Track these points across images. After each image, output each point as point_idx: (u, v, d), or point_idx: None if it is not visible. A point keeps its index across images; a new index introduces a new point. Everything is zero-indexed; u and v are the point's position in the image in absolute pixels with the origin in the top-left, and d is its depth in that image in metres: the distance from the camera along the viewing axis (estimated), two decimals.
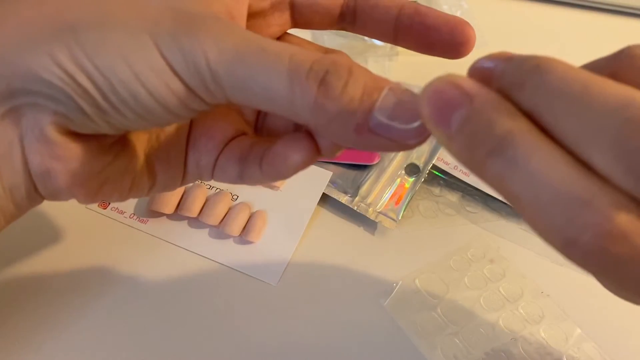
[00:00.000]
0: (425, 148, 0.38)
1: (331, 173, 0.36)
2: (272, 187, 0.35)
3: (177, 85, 0.17)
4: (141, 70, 0.16)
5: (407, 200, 0.35)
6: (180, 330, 0.29)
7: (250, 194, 0.34)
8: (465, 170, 0.37)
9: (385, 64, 0.45)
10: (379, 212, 0.34)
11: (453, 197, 0.37)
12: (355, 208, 0.34)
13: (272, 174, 0.20)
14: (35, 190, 0.19)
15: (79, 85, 0.17)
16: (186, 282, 0.31)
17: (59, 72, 0.16)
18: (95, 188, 0.20)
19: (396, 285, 0.32)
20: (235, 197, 0.34)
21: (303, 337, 0.29)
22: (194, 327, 0.29)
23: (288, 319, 0.30)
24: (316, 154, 0.19)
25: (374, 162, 0.37)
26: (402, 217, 0.34)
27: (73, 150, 0.18)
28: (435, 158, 0.37)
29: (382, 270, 0.32)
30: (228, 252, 0.32)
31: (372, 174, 0.36)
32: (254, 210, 0.34)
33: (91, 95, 0.17)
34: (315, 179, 0.35)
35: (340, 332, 0.30)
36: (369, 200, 0.35)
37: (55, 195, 0.20)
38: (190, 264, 0.32)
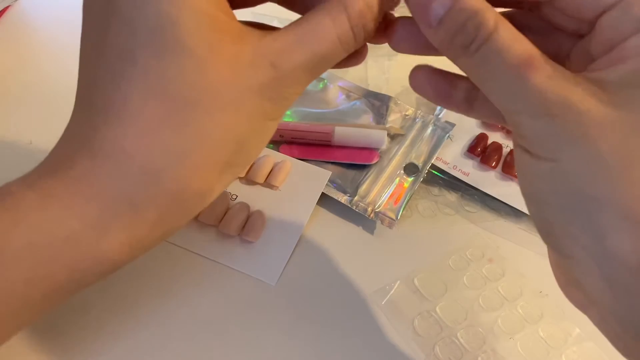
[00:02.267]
0: (424, 148, 0.38)
1: (330, 173, 0.36)
2: (271, 187, 0.35)
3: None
4: (270, 135, 0.22)
5: (406, 199, 0.35)
6: (179, 329, 0.29)
7: (249, 194, 0.34)
8: (464, 170, 0.37)
9: (384, 63, 0.45)
10: (378, 212, 0.34)
11: (452, 196, 0.37)
12: (354, 208, 0.34)
13: None
14: None
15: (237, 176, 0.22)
16: (185, 282, 0.31)
17: (228, 183, 0.22)
18: None
19: (395, 284, 0.32)
20: (234, 196, 0.34)
21: (302, 337, 0.29)
22: (193, 327, 0.29)
23: (287, 318, 0.30)
24: None
25: (373, 162, 0.37)
26: (401, 216, 0.34)
27: None
28: (434, 158, 0.37)
29: (381, 269, 0.32)
30: (227, 252, 0.32)
31: (371, 174, 0.36)
32: (253, 210, 0.34)
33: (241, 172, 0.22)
34: (314, 178, 0.35)
35: (339, 332, 0.30)
36: (368, 200, 0.35)
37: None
38: (189, 263, 0.31)
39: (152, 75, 0.17)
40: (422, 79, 0.22)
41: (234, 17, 0.19)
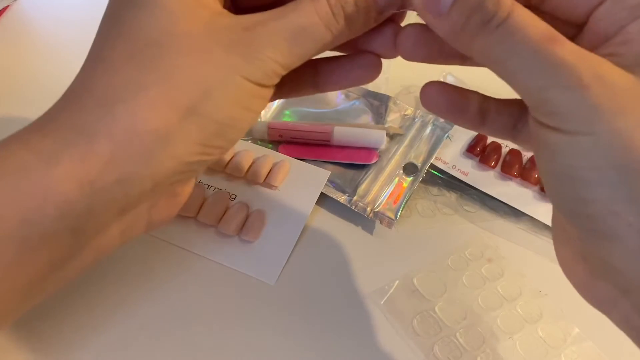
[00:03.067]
0: (423, 148, 0.38)
1: (329, 173, 0.36)
2: (270, 187, 0.35)
3: (265, 92, 0.21)
4: (247, 103, 0.20)
5: (405, 199, 0.35)
6: (178, 329, 0.29)
7: (249, 194, 0.34)
8: (463, 169, 0.37)
9: (384, 63, 0.44)
10: (377, 212, 0.34)
11: (451, 196, 0.37)
12: (353, 207, 0.34)
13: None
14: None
15: (211, 146, 0.20)
16: (184, 282, 0.31)
17: (197, 148, 0.20)
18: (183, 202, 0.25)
19: (394, 284, 0.32)
20: (233, 196, 0.34)
21: (301, 337, 0.29)
22: (192, 327, 0.29)
23: (286, 318, 0.30)
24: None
25: (372, 162, 0.37)
26: (400, 216, 0.34)
27: (186, 193, 0.25)
28: (433, 157, 0.37)
29: (380, 269, 0.32)
30: (226, 252, 0.32)
31: (370, 174, 0.36)
32: (252, 210, 0.34)
33: (218, 146, 0.21)
34: (313, 178, 0.35)
35: (338, 331, 0.30)
36: (367, 199, 0.35)
37: (156, 229, 0.25)
38: (188, 263, 0.31)
39: (126, 24, 0.19)
40: (434, 94, 0.22)
41: (220, 2, 0.21)
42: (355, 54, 0.24)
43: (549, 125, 0.17)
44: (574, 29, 0.19)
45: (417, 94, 0.42)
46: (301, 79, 0.24)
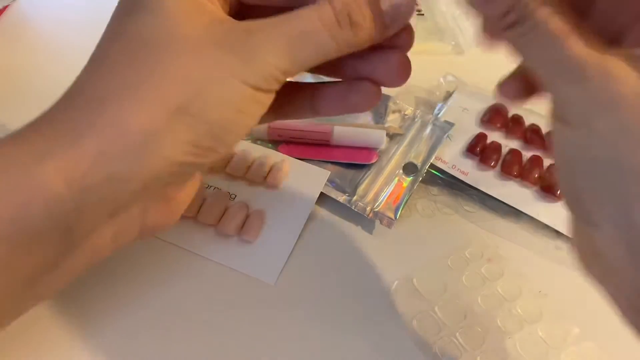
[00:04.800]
0: (422, 147, 0.38)
1: (329, 172, 0.35)
2: (270, 187, 0.35)
3: (262, 97, 0.21)
4: (242, 106, 0.20)
5: (405, 199, 0.35)
6: (178, 329, 0.29)
7: (248, 194, 0.34)
8: (463, 169, 0.37)
9: None
10: (377, 212, 0.34)
11: (451, 196, 0.37)
12: (353, 207, 0.34)
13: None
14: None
15: (203, 147, 0.20)
16: (184, 282, 0.31)
17: (188, 149, 0.20)
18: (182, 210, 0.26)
19: (393, 284, 0.32)
20: (233, 196, 0.34)
21: (301, 337, 0.29)
22: (192, 327, 0.29)
23: (286, 318, 0.30)
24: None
25: (372, 162, 0.37)
26: (399, 216, 0.34)
27: (180, 197, 0.25)
28: (433, 157, 0.37)
29: (380, 269, 0.32)
30: (226, 252, 0.32)
31: (370, 174, 0.36)
32: (252, 210, 0.34)
33: (210, 148, 0.20)
34: (313, 178, 0.35)
35: (337, 331, 0.30)
36: (367, 199, 0.35)
37: (150, 235, 0.25)
38: (188, 263, 0.31)
39: (127, 27, 0.19)
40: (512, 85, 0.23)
41: (220, 6, 0.21)
42: (355, 80, 0.24)
43: (556, 115, 0.18)
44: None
45: (417, 94, 0.43)
46: (300, 101, 0.24)
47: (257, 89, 0.20)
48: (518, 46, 0.19)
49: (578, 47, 0.17)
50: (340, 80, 0.24)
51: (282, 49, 0.19)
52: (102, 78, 0.19)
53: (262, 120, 0.23)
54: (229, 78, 0.19)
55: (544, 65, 0.18)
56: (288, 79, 0.21)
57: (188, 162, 0.20)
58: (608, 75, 0.17)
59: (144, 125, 0.18)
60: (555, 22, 0.17)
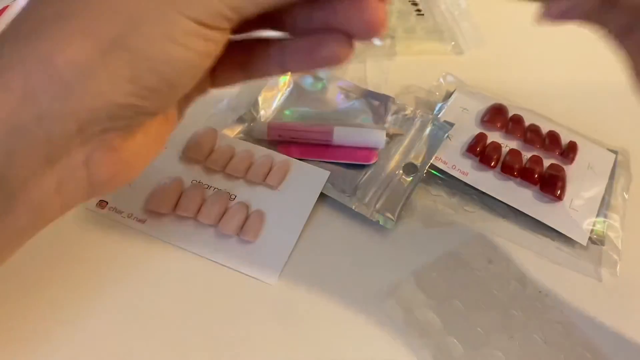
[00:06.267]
0: (422, 148, 0.38)
1: (329, 172, 0.36)
2: (270, 187, 0.35)
3: (211, 34, 0.19)
4: (184, 40, 0.18)
5: (405, 199, 0.35)
6: (178, 329, 0.29)
7: (248, 194, 0.34)
8: (463, 169, 0.37)
9: (383, 63, 0.45)
10: (377, 212, 0.34)
11: (451, 196, 0.37)
12: (353, 207, 0.34)
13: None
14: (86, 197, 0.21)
15: (144, 87, 0.19)
16: (184, 282, 0.31)
17: (128, 88, 0.18)
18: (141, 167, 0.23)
19: (394, 284, 0.32)
20: (233, 196, 0.34)
21: (301, 337, 0.29)
22: (192, 327, 0.29)
23: (286, 318, 0.30)
24: None
25: (372, 162, 0.37)
26: (399, 216, 0.34)
27: (131, 149, 0.21)
28: (433, 157, 0.37)
29: (380, 269, 0.32)
30: (226, 252, 0.32)
31: (370, 174, 0.36)
32: (252, 210, 0.34)
33: (153, 87, 0.19)
34: (313, 178, 0.35)
35: (337, 331, 0.30)
36: (367, 199, 0.35)
37: (103, 192, 0.22)
38: (188, 263, 0.31)
39: None
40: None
41: None
42: (324, 32, 0.21)
43: None
44: None
45: (417, 94, 0.43)
46: (267, 57, 0.23)
47: (202, 24, 0.18)
48: None
49: None
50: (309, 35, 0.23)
51: None
52: (33, 11, 0.18)
53: (231, 79, 0.22)
54: (168, 10, 0.18)
55: None
56: (256, 35, 0.20)
57: (129, 104, 0.19)
58: None
59: (74, 59, 0.17)
60: None
